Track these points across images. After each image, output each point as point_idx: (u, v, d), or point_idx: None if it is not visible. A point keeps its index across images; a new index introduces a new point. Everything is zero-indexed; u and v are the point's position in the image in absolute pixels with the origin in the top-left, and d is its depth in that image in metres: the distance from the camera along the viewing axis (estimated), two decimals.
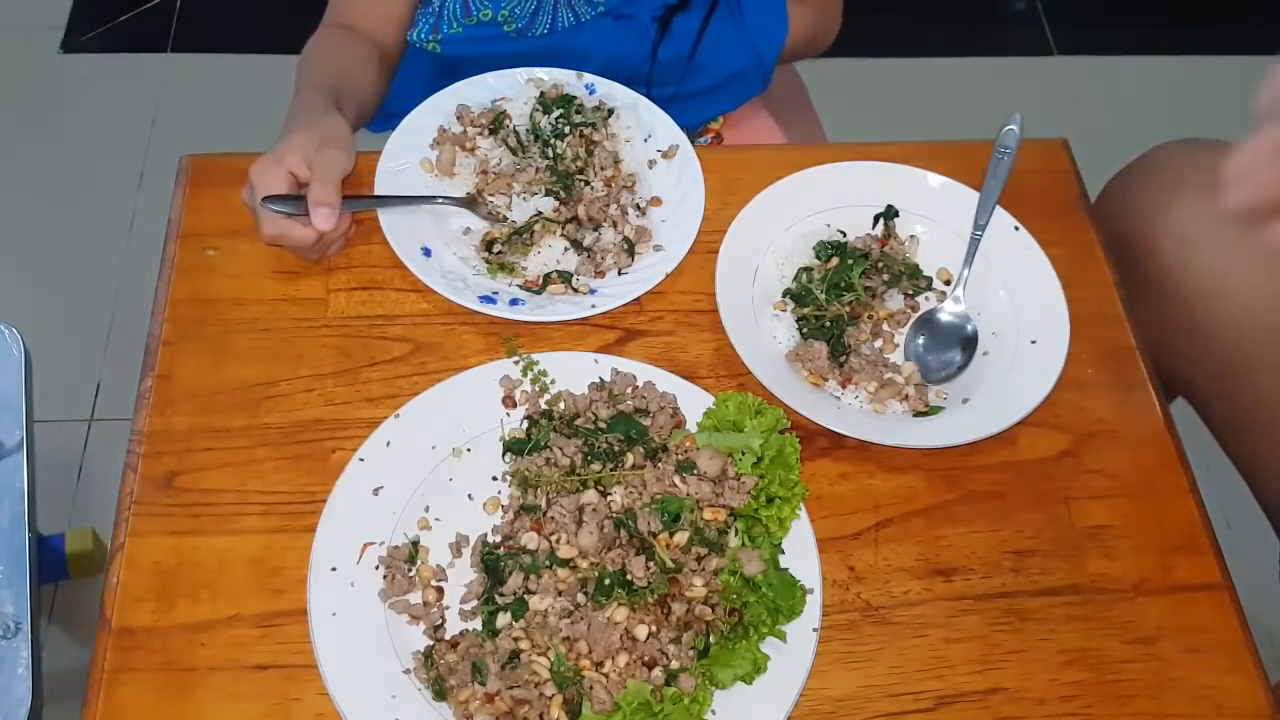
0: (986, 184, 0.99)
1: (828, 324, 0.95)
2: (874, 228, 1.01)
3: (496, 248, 0.99)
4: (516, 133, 1.04)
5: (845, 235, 1.01)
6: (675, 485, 0.82)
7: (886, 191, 1.02)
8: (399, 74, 1.19)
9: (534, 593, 0.79)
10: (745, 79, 1.22)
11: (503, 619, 0.78)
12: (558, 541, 0.80)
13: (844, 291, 0.97)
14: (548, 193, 1.00)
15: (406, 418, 0.87)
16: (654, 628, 0.77)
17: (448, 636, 0.79)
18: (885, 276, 0.98)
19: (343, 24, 1.15)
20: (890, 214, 1.01)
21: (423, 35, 1.14)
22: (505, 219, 1.00)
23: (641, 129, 1.06)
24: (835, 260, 0.98)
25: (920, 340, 0.96)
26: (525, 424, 0.88)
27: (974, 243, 0.98)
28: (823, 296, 0.96)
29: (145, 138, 2.13)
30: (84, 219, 2.03)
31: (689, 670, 0.76)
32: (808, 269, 0.99)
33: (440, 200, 0.99)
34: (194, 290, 0.96)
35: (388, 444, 0.86)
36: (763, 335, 0.95)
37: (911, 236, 1.02)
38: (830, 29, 1.27)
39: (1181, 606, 0.85)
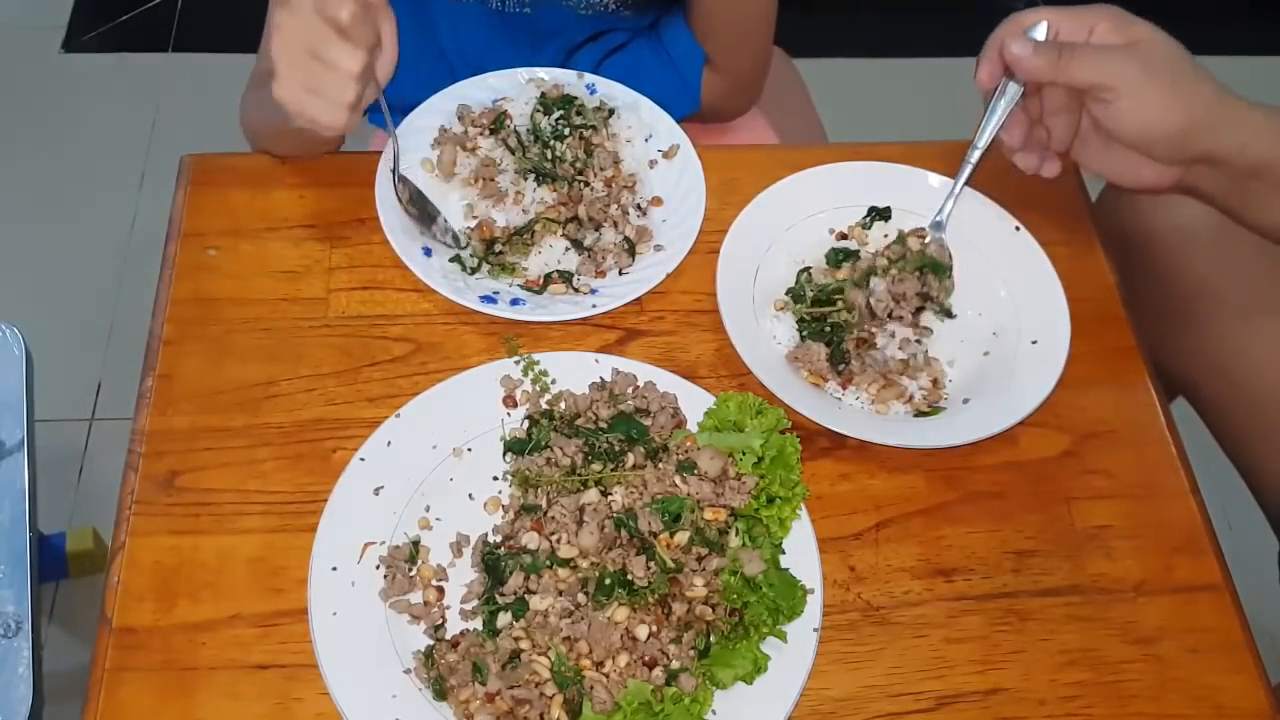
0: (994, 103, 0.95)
1: (827, 327, 0.95)
2: (868, 225, 1.01)
3: (498, 248, 0.99)
4: (517, 133, 1.04)
5: (847, 236, 1.01)
6: (676, 485, 0.82)
7: (886, 191, 1.02)
8: None
9: (534, 592, 0.79)
10: (672, 99, 1.14)
11: (503, 619, 0.78)
12: (558, 541, 0.80)
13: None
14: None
15: (407, 417, 0.87)
16: (654, 628, 0.77)
17: (448, 636, 0.79)
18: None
19: None
20: (884, 215, 1.01)
21: None
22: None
23: (642, 129, 1.06)
24: (845, 268, 0.98)
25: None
26: (526, 424, 0.88)
27: (967, 164, 0.96)
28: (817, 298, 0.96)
29: (145, 138, 2.13)
30: (84, 219, 2.03)
31: (689, 670, 0.76)
32: (808, 269, 0.99)
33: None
34: (195, 290, 0.96)
35: (388, 444, 0.86)
36: (763, 335, 0.95)
37: None
38: (738, 103, 1.24)
39: (1182, 607, 0.85)
